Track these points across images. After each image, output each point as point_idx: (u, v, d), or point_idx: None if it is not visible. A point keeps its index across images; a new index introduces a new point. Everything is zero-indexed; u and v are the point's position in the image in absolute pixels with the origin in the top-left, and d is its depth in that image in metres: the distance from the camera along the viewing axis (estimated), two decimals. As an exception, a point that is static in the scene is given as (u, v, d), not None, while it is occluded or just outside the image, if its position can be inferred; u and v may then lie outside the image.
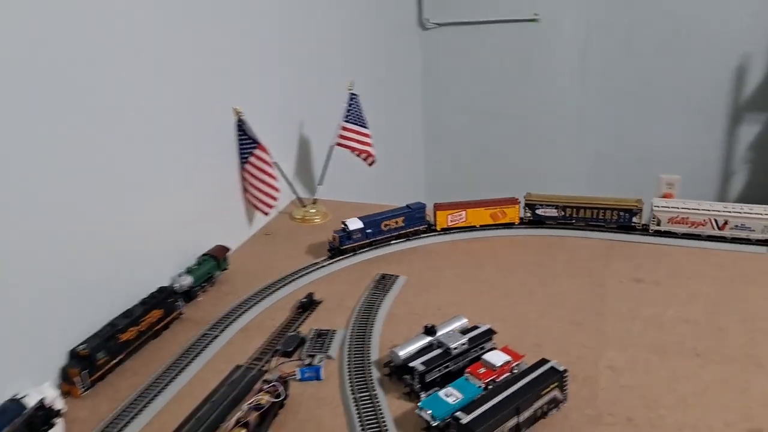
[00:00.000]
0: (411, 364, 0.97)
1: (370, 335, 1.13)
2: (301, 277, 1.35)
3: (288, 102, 1.75)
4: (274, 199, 1.52)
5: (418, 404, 0.90)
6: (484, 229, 1.52)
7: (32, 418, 0.90)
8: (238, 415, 0.90)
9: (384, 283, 1.31)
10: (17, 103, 0.94)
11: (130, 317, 1.11)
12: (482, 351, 1.01)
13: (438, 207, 1.51)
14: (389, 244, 1.47)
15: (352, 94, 1.68)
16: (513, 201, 1.52)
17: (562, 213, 1.51)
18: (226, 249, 1.38)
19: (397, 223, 1.47)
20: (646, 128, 2.82)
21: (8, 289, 0.95)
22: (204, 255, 1.34)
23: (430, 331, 1.04)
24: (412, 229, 1.49)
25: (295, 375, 1.03)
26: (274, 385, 0.95)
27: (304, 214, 1.67)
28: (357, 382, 1.00)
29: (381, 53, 2.50)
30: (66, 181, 1.04)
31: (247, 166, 1.50)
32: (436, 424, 0.87)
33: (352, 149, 1.69)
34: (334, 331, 1.15)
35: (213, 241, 1.39)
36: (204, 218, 1.41)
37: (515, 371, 0.95)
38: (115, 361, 1.07)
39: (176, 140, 1.31)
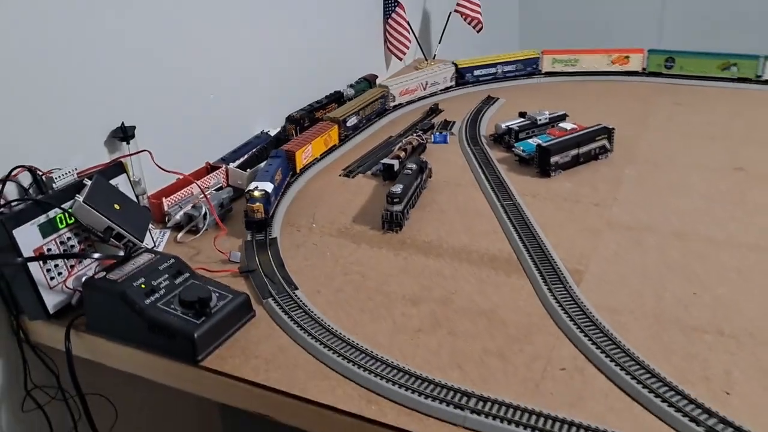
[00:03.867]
0: (507, 124, 1.48)
1: (480, 123, 1.65)
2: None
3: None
4: (407, 47, 2.04)
5: (514, 145, 1.42)
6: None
7: (276, 142, 1.48)
8: (399, 146, 1.46)
9: (489, 101, 1.82)
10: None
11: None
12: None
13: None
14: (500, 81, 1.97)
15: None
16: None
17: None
18: (375, 76, 1.91)
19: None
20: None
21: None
22: (359, 79, 1.88)
23: (522, 114, 1.55)
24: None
25: (430, 138, 1.57)
26: (419, 135, 1.50)
27: (426, 66, 2.17)
28: (471, 141, 1.53)
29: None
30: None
31: (390, 21, 2.01)
32: (525, 155, 1.39)
33: (466, 16, 2.17)
34: (455, 121, 1.68)
35: (364, 72, 1.93)
36: (358, 55, 1.95)
37: (579, 134, 1.45)
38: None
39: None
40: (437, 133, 1.59)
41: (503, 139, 1.50)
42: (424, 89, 1.85)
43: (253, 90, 1.53)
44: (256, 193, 1.15)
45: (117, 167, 1.07)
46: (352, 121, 1.55)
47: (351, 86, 1.83)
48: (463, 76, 1.92)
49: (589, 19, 3.15)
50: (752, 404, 0.74)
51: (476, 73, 1.93)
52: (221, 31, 1.41)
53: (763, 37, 2.67)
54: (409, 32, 2.04)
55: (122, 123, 1.15)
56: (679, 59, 1.86)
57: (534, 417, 0.73)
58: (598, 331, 0.87)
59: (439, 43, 2.22)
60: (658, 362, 0.81)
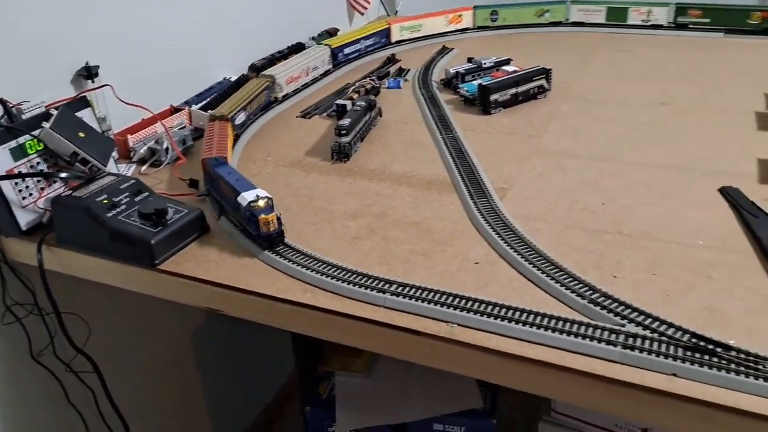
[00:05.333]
0: (456, 69, 1.58)
1: (432, 70, 1.74)
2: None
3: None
4: (369, 3, 2.12)
5: (459, 86, 1.52)
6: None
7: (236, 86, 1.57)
8: (353, 87, 1.55)
9: (444, 51, 1.91)
10: None
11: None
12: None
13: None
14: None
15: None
16: None
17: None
18: (336, 29, 2.00)
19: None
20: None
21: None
22: (321, 32, 1.97)
23: (470, 59, 1.65)
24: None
25: (384, 84, 1.66)
26: (372, 79, 1.59)
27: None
28: (423, 85, 1.63)
29: None
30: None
31: (350, -24, 2.10)
32: (470, 95, 1.49)
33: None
34: (409, 69, 1.77)
35: (327, 25, 2.01)
36: (320, 8, 2.03)
37: (521, 76, 1.55)
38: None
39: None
40: (392, 79, 1.68)
41: (451, 82, 1.60)
42: (307, 75, 1.69)
43: (216, 38, 1.62)
44: (261, 203, 0.95)
45: (82, 101, 1.16)
46: (240, 118, 1.39)
47: (313, 38, 1.91)
48: (336, 57, 1.79)
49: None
50: (634, 283, 0.86)
51: (346, 51, 1.84)
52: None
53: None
54: (369, -13, 2.13)
55: (86, 62, 1.24)
56: (502, 11, 2.00)
57: (445, 296, 0.84)
58: (512, 233, 0.98)
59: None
60: (560, 256, 0.92)
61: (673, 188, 1.09)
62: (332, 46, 1.78)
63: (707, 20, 1.92)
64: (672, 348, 0.73)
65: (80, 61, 1.25)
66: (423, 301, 0.84)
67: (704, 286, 0.84)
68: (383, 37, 1.97)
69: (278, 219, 0.96)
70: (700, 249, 0.92)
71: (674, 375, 0.71)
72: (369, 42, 1.93)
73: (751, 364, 0.70)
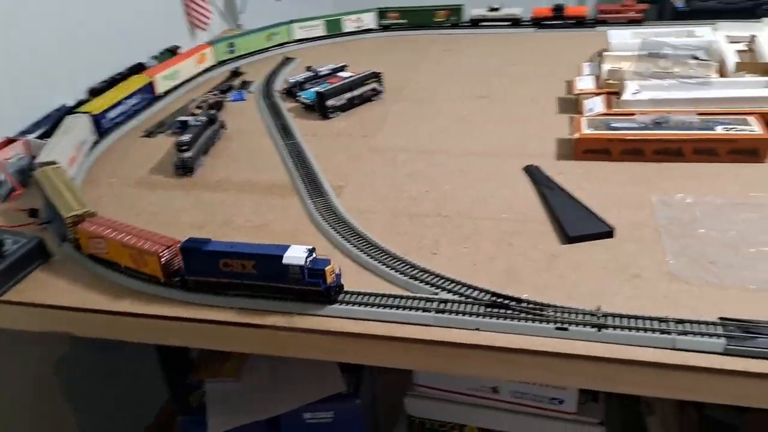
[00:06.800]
0: (295, 78, 1.67)
1: (274, 82, 1.82)
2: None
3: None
4: (208, 17, 2.16)
5: (298, 94, 1.61)
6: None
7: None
8: (196, 103, 1.59)
9: (286, 61, 1.99)
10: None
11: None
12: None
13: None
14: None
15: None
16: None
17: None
18: (178, 47, 2.01)
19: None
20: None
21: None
22: (162, 50, 1.98)
23: (308, 68, 1.74)
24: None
25: (228, 97, 1.72)
26: (215, 93, 1.64)
27: (232, 36, 2.29)
28: (265, 96, 1.70)
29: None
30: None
31: (187, -7, 2.12)
32: (309, 102, 1.58)
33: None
34: (253, 81, 1.83)
35: (167, 43, 2.02)
36: (159, 27, 2.04)
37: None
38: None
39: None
40: (235, 92, 1.74)
41: (292, 91, 1.68)
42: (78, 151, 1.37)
43: (50, 63, 1.59)
44: (313, 254, 0.89)
45: None
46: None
47: (155, 57, 1.92)
48: (99, 124, 1.49)
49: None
50: (449, 257, 0.98)
51: (110, 116, 1.54)
52: (7, 3, 1.47)
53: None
54: (208, 2, 2.16)
55: None
56: (237, 42, 2.02)
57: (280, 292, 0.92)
58: (346, 226, 1.08)
59: (241, 12, 2.36)
60: (389, 243, 1.02)
61: (485, 172, 1.24)
62: (92, 113, 1.48)
63: (405, 21, 2.17)
64: (476, 307, 0.86)
65: None
66: (267, 298, 0.92)
67: (505, 253, 0.98)
68: (148, 93, 1.69)
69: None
70: (504, 222, 1.07)
71: (477, 329, 0.83)
72: (134, 101, 1.63)
73: (537, 312, 0.84)
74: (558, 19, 2.08)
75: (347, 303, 0.90)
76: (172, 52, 1.96)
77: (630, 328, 0.80)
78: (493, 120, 1.47)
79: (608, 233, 1.00)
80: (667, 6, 3.18)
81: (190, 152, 1.31)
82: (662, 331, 0.79)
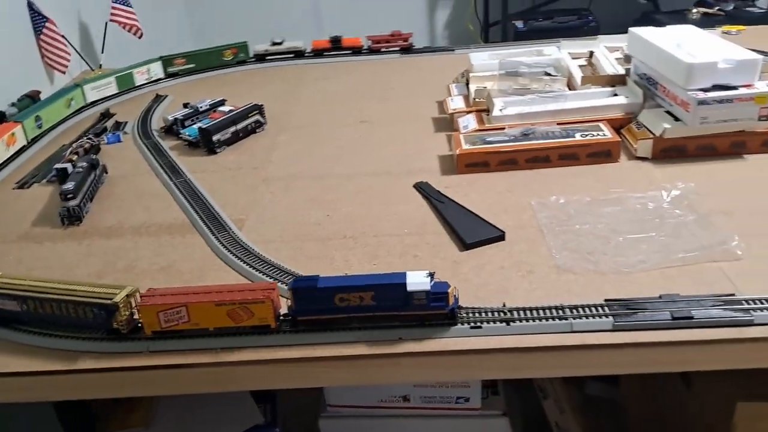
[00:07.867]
0: (173, 115, 1.65)
1: (151, 119, 1.78)
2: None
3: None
4: (67, 60, 2.06)
5: (181, 132, 1.60)
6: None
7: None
8: (71, 150, 1.53)
9: (158, 99, 1.95)
10: None
11: None
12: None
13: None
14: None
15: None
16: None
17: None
18: (38, 92, 1.91)
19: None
20: None
21: None
22: (21, 96, 1.87)
23: (186, 104, 1.73)
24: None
25: (103, 140, 1.66)
26: (89, 137, 1.59)
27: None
28: (144, 136, 1.67)
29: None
30: None
31: (42, 36, 2.01)
32: (192, 139, 1.57)
33: (122, 24, 2.25)
34: (127, 122, 1.78)
35: (26, 88, 1.91)
36: (15, 73, 1.92)
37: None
38: None
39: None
40: (110, 134, 1.68)
41: (172, 129, 1.66)
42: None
43: None
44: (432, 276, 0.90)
45: None
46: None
47: (13, 104, 1.81)
48: None
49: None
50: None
51: None
52: None
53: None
54: (66, 45, 2.07)
55: None
56: (42, 113, 1.75)
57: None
58: (255, 258, 1.10)
59: (102, 53, 2.28)
60: (302, 268, 1.06)
61: (380, 192, 1.31)
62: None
63: (192, 65, 2.16)
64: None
65: None
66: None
67: (412, 265, 1.05)
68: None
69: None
70: (406, 236, 1.14)
71: (400, 339, 0.89)
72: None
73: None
74: (336, 49, 2.24)
75: (252, 333, 0.91)
76: (32, 98, 1.86)
77: (533, 319, 0.90)
78: (378, 142, 1.55)
79: (500, 236, 1.10)
80: (509, 27, 3.49)
81: (76, 200, 1.26)
82: (560, 318, 0.90)
